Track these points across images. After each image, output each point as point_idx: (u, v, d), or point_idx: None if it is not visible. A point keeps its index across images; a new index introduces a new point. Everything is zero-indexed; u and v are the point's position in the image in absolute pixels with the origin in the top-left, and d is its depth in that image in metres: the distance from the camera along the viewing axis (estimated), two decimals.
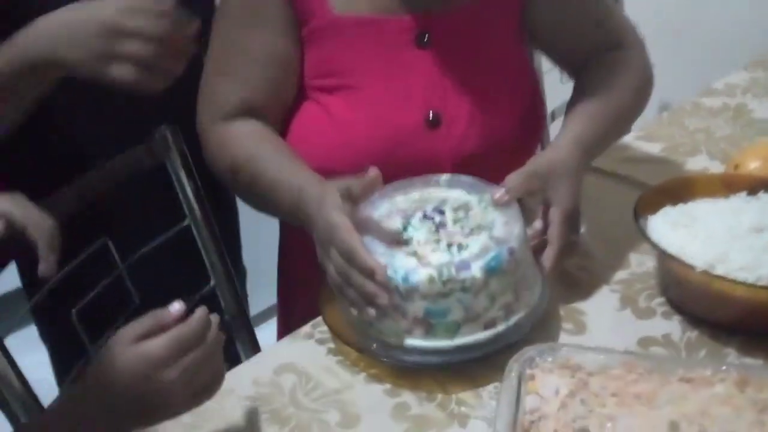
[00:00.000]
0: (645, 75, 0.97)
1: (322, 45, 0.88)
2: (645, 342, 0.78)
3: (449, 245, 0.75)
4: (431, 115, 0.89)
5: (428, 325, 0.73)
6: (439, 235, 0.76)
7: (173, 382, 0.60)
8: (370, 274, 0.70)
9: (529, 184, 0.81)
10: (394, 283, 0.72)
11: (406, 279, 0.71)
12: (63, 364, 1.04)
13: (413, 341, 0.74)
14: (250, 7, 0.86)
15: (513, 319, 0.75)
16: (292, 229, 0.95)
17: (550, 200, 0.81)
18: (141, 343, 0.60)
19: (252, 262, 1.22)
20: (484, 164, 0.91)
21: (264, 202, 0.87)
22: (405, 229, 0.78)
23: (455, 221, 0.78)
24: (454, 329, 0.73)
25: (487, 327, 0.74)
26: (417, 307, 0.72)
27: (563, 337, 0.79)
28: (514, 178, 0.80)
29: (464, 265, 0.72)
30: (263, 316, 1.47)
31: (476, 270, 0.72)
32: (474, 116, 0.91)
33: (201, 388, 0.63)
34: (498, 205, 0.79)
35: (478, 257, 0.72)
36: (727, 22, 1.93)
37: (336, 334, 0.77)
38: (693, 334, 0.79)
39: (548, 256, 0.80)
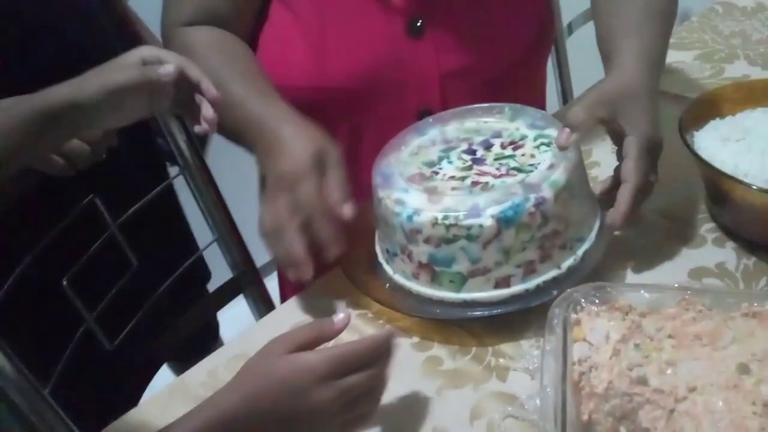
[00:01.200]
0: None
1: None
2: (697, 273, 0.71)
3: (474, 183, 0.66)
4: (413, 22, 0.78)
5: (433, 272, 0.65)
6: (470, 172, 0.67)
7: (329, 403, 0.53)
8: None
9: (596, 114, 0.68)
10: (400, 221, 0.64)
11: (410, 218, 0.64)
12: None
13: (419, 287, 0.66)
14: None
15: (533, 282, 0.65)
16: None
17: (624, 129, 0.68)
18: (300, 354, 0.54)
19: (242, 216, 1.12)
20: (480, 80, 0.81)
21: (228, 130, 0.74)
22: (440, 161, 0.70)
23: (497, 158, 0.69)
24: (459, 281, 0.64)
25: (499, 285, 0.64)
26: (421, 251, 0.64)
27: (608, 274, 0.71)
28: (576, 111, 0.68)
29: (475, 210, 0.62)
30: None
31: (487, 218, 0.62)
32: (463, 24, 0.80)
33: (354, 417, 0.55)
34: (562, 146, 0.67)
35: (496, 203, 0.62)
36: None
37: (357, 284, 0.70)
38: (750, 261, 0.71)
39: (622, 198, 0.66)
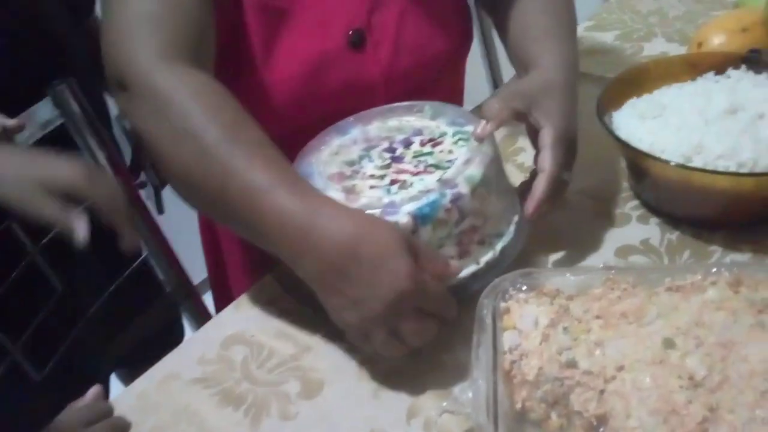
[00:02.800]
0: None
1: None
2: (623, 251, 0.71)
3: (393, 182, 0.65)
4: (352, 34, 0.78)
5: None
6: (389, 169, 0.67)
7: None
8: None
9: (511, 105, 0.67)
10: None
11: None
12: None
13: None
14: None
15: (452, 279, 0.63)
16: None
17: (539, 122, 0.68)
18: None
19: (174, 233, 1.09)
20: (419, 80, 0.82)
21: (228, 214, 0.62)
22: (360, 160, 0.69)
23: (416, 155, 0.69)
24: None
25: None
26: None
27: (534, 259, 0.71)
28: (492, 103, 0.67)
29: (391, 208, 0.61)
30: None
31: (403, 215, 0.61)
32: (400, 30, 0.81)
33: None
34: (479, 139, 0.66)
35: (413, 200, 0.62)
36: None
37: (287, 288, 0.69)
38: (673, 235, 0.72)
39: (537, 186, 0.66)
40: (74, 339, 0.81)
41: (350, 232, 0.56)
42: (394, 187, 0.64)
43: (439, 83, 0.87)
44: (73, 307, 0.80)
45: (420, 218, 0.61)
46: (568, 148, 0.68)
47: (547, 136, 0.67)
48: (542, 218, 0.68)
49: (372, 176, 0.67)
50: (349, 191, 0.65)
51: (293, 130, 0.73)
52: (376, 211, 0.61)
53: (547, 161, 0.66)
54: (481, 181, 0.64)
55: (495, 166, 0.66)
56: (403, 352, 0.59)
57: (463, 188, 0.63)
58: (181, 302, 0.90)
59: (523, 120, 0.69)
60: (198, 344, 0.70)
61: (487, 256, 0.65)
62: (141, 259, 0.88)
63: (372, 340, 0.59)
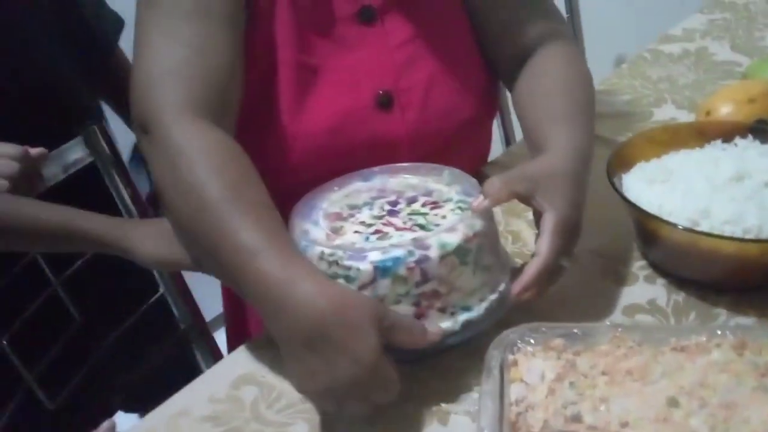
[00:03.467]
0: (586, 67, 0.87)
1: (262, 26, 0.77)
2: (630, 310, 0.73)
3: (376, 232, 0.67)
4: (381, 95, 0.81)
5: None
6: (380, 221, 0.69)
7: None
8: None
9: (512, 188, 0.68)
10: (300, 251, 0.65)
11: (305, 249, 0.65)
12: None
13: None
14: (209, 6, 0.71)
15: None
16: None
17: (542, 206, 0.67)
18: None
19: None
20: (443, 143, 0.85)
21: (215, 265, 0.64)
22: (362, 207, 0.72)
23: (411, 213, 0.70)
24: None
25: None
26: None
27: (542, 314, 0.72)
28: (493, 182, 0.68)
29: (359, 255, 0.63)
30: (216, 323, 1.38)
31: (366, 263, 0.62)
32: (428, 94, 0.83)
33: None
34: (475, 212, 0.67)
35: (380, 251, 0.62)
36: None
37: None
38: (680, 296, 0.74)
39: (528, 269, 0.66)
40: (88, 370, 0.82)
41: (323, 309, 0.58)
42: (374, 237, 0.66)
43: (463, 146, 0.89)
44: (89, 338, 0.82)
45: (381, 270, 0.62)
46: (569, 236, 0.68)
47: (548, 222, 0.67)
48: (527, 303, 0.67)
49: (362, 223, 0.69)
50: (334, 231, 0.67)
51: (313, 182, 0.75)
52: (345, 253, 0.63)
53: (544, 246, 0.66)
54: (455, 251, 0.64)
55: (479, 241, 0.66)
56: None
57: (433, 252, 0.63)
58: (194, 340, 0.92)
59: (526, 203, 0.70)
60: (209, 383, 0.71)
61: (445, 324, 0.65)
62: (158, 295, 0.90)
63: (321, 406, 0.63)
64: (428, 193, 0.73)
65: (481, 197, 0.68)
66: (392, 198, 0.73)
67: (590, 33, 1.65)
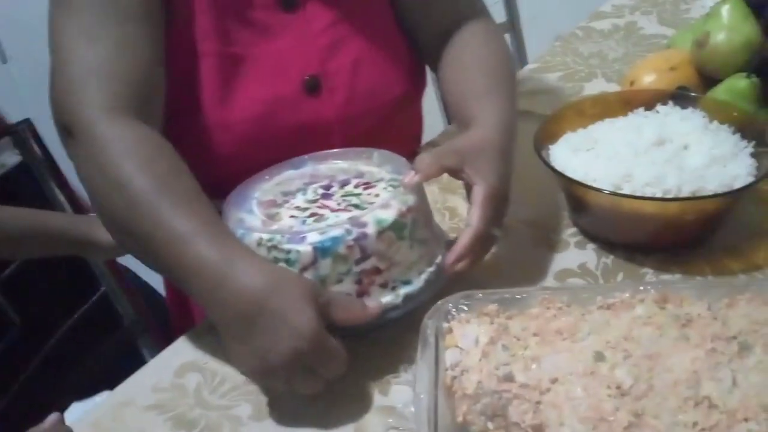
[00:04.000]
0: (505, 44, 0.90)
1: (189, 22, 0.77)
2: (562, 275, 0.75)
3: (312, 215, 0.68)
4: (308, 80, 0.82)
5: None
6: (315, 204, 0.70)
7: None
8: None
9: (442, 162, 0.69)
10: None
11: (242, 237, 0.66)
12: None
13: None
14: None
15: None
16: None
17: (471, 179, 0.69)
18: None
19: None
20: (374, 124, 0.86)
21: (155, 258, 0.64)
22: (296, 192, 0.73)
23: (345, 195, 0.72)
24: None
25: None
26: None
27: (476, 283, 0.74)
28: (423, 158, 0.69)
29: (297, 237, 0.64)
30: None
31: (306, 245, 0.63)
32: (355, 75, 0.85)
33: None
34: (407, 188, 0.68)
35: (318, 232, 0.64)
36: None
37: None
38: (608, 259, 0.77)
39: (460, 240, 0.68)
40: (34, 369, 0.82)
41: (260, 286, 0.59)
42: (310, 220, 0.68)
43: (394, 126, 0.91)
44: (32, 338, 0.81)
45: (321, 250, 0.63)
46: (499, 206, 0.70)
47: (478, 194, 0.69)
48: (461, 275, 0.69)
49: (297, 207, 0.70)
50: (270, 217, 0.68)
51: (247, 170, 0.76)
52: (283, 237, 0.64)
53: (475, 217, 0.68)
54: (391, 226, 0.65)
55: (413, 214, 0.67)
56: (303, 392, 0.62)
57: (370, 229, 0.64)
58: (139, 335, 0.92)
59: (456, 176, 0.71)
60: (152, 372, 0.71)
61: (387, 299, 0.66)
62: (99, 293, 0.90)
63: (269, 386, 0.64)
64: (360, 175, 0.74)
65: (412, 173, 0.69)
66: (325, 182, 0.74)
67: (529, 12, 1.68)
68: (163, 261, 0.63)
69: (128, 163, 0.64)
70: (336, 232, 0.64)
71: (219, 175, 0.76)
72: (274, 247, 0.64)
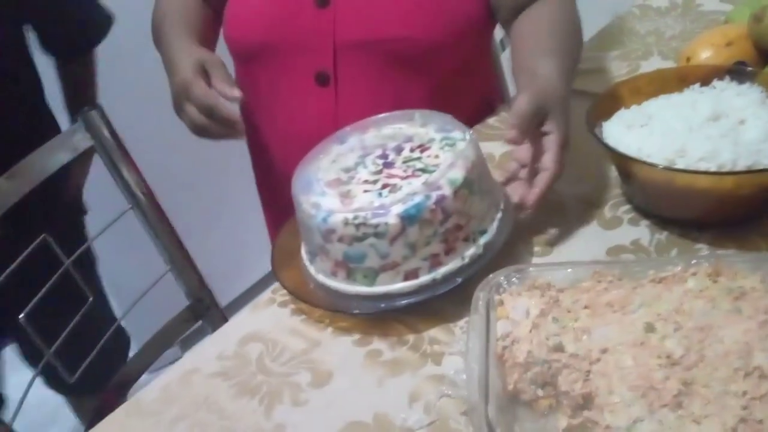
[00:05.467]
0: (580, 22, 0.94)
1: None
2: (614, 251, 0.76)
3: (384, 186, 0.71)
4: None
5: (348, 269, 0.70)
6: (381, 175, 0.72)
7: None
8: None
9: (536, 117, 0.74)
10: (316, 223, 0.69)
11: (325, 220, 0.69)
12: None
13: (337, 284, 0.71)
14: None
15: (440, 272, 0.70)
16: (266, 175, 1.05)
17: (548, 129, 0.75)
18: None
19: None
20: (381, 53, 0.91)
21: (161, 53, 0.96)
22: (356, 167, 0.75)
23: (406, 161, 0.74)
24: (372, 276, 0.69)
25: (408, 277, 0.69)
26: (336, 250, 0.69)
27: (530, 259, 0.76)
28: (520, 113, 0.73)
29: (381, 211, 0.67)
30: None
31: (392, 216, 0.67)
32: (367, 4, 0.90)
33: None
34: (512, 143, 0.73)
35: (401, 202, 0.67)
36: None
37: (294, 293, 0.74)
38: (662, 235, 0.77)
39: (541, 181, 0.74)
40: None
41: (190, 65, 0.87)
42: (385, 191, 0.70)
43: (432, 63, 0.94)
44: None
45: (407, 219, 0.67)
46: (567, 151, 0.76)
47: (553, 141, 0.74)
48: (532, 212, 0.74)
49: (366, 181, 0.73)
50: (345, 196, 0.71)
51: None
52: (368, 213, 0.67)
53: (552, 162, 0.73)
54: (463, 183, 0.69)
55: (477, 169, 0.71)
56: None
57: (446, 190, 0.68)
58: (202, 315, 0.96)
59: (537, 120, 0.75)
60: (217, 342, 0.75)
61: (470, 251, 0.71)
62: (164, 274, 0.94)
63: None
64: (409, 139, 0.77)
65: (513, 131, 0.72)
66: (379, 152, 0.76)
67: None
68: (162, 48, 0.94)
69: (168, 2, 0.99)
70: (417, 199, 0.67)
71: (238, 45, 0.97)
72: (363, 224, 0.67)
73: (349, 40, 0.91)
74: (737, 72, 0.84)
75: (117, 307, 1.36)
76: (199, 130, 0.86)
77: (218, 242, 1.77)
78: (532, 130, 0.75)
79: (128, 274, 1.21)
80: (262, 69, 0.94)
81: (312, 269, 0.74)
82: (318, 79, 0.92)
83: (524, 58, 0.86)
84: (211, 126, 0.84)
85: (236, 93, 0.83)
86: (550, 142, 0.74)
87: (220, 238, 1.82)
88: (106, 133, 0.91)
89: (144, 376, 0.99)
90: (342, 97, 0.92)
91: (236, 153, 1.06)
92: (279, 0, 0.92)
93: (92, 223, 1.31)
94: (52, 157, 0.87)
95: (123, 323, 0.99)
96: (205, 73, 0.85)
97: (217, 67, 0.86)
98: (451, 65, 0.96)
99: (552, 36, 0.87)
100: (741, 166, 0.71)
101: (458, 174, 0.69)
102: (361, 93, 0.92)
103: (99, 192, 1.16)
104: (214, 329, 0.98)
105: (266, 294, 0.79)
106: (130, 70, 1.63)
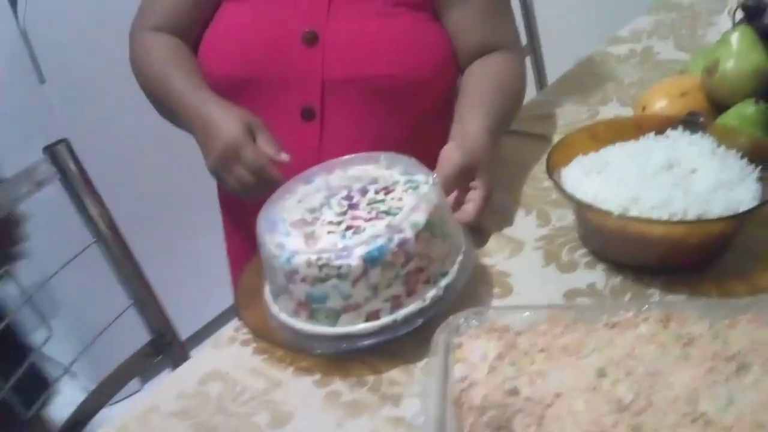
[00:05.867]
0: (524, 82, 1.04)
1: None
2: (571, 294, 0.78)
3: (348, 228, 0.72)
4: (308, 31, 0.93)
5: (310, 309, 0.71)
6: (346, 216, 0.74)
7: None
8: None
9: (462, 175, 0.85)
10: (280, 263, 0.70)
11: (288, 260, 0.70)
12: None
13: (300, 324, 0.72)
14: None
15: (401, 313, 0.71)
16: (232, 210, 1.09)
17: (474, 185, 0.85)
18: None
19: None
20: (367, 89, 0.95)
21: (171, 115, 0.99)
22: (321, 207, 0.77)
23: (370, 203, 0.76)
24: (334, 316, 0.70)
25: (369, 318, 0.70)
26: (299, 290, 0.70)
27: (487, 301, 0.77)
28: (448, 174, 0.83)
29: (344, 252, 0.68)
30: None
31: (355, 258, 0.68)
32: (354, 44, 0.94)
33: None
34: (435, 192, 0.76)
35: (364, 244, 0.69)
36: None
37: (256, 332, 0.75)
38: (617, 280, 0.79)
39: (478, 203, 0.84)
40: None
41: (219, 122, 0.90)
42: (349, 233, 0.72)
43: (412, 97, 0.98)
44: None
45: (370, 261, 0.68)
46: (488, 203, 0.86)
47: (479, 196, 0.85)
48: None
49: (330, 222, 0.74)
50: (309, 236, 0.72)
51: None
52: (331, 255, 0.68)
53: (474, 213, 0.84)
54: (425, 226, 0.71)
55: (439, 212, 0.73)
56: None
57: (409, 233, 0.70)
58: (163, 350, 0.95)
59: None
60: (177, 380, 0.75)
61: (431, 293, 0.72)
62: (126, 308, 0.93)
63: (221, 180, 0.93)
64: (374, 181, 0.79)
65: (434, 176, 0.77)
66: (344, 193, 0.78)
67: (549, 37, 1.71)
68: (174, 111, 0.95)
69: (157, 51, 0.98)
70: (380, 241, 0.69)
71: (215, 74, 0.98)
72: (325, 265, 0.68)
73: (337, 77, 0.93)
74: (690, 122, 0.88)
75: (76, 341, 1.34)
76: (246, 190, 0.89)
77: (180, 273, 1.76)
78: (457, 184, 0.84)
79: (89, 307, 1.20)
80: (245, 102, 0.95)
81: (275, 308, 0.75)
82: (304, 114, 0.95)
83: (460, 111, 0.93)
84: (258, 186, 0.87)
85: (285, 157, 0.87)
86: (476, 196, 0.85)
87: (181, 269, 1.81)
88: (72, 165, 0.90)
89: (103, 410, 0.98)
90: (327, 132, 0.95)
91: (201, 182, 1.07)
92: (263, 35, 0.95)
93: (52, 255, 1.29)
94: (14, 191, 0.87)
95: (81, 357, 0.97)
96: (251, 134, 0.88)
97: (263, 130, 0.89)
98: (431, 103, 1.00)
99: (490, 94, 0.94)
100: (691, 215, 0.74)
101: (421, 217, 0.71)
102: (346, 128, 0.95)
103: (58, 224, 1.15)
104: (175, 364, 0.99)
105: (228, 331, 0.79)
106: (97, 101, 1.63)
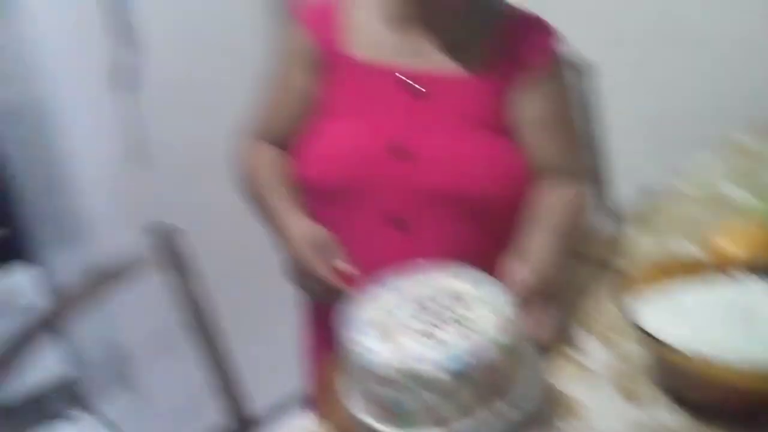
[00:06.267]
0: (587, 210, 1.12)
1: (336, 82, 1.07)
2: (636, 428, 0.79)
3: (430, 336, 0.76)
4: (399, 147, 1.00)
5: (390, 412, 0.75)
6: (429, 326, 0.78)
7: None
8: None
9: (534, 299, 0.91)
10: (362, 364, 0.76)
11: (369, 362, 0.75)
12: None
13: (379, 426, 0.76)
14: (295, 53, 1.11)
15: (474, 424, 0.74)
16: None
17: (543, 307, 0.91)
18: None
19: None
20: (446, 207, 1.01)
21: (261, 215, 1.12)
22: (404, 314, 0.80)
23: (454, 317, 0.79)
24: (410, 422, 0.74)
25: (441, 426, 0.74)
26: (378, 392, 0.75)
27: (556, 424, 0.80)
28: (523, 295, 0.88)
29: (431, 361, 0.73)
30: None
31: (440, 370, 0.73)
32: (445, 160, 1.00)
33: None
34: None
35: (447, 357, 0.73)
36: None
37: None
38: (681, 416, 0.80)
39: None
40: None
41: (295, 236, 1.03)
42: (431, 342, 0.75)
43: (498, 214, 1.04)
44: None
45: (457, 376, 0.73)
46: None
47: (551, 319, 0.91)
48: None
49: (414, 330, 0.77)
50: (392, 341, 0.76)
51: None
52: (418, 363, 0.73)
53: (548, 337, 0.90)
54: (507, 345, 0.76)
55: (519, 332, 0.79)
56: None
57: (491, 351, 0.75)
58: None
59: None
60: None
61: (513, 414, 0.76)
62: None
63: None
64: (456, 294, 0.82)
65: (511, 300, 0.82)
66: (428, 304, 0.82)
67: (616, 163, 1.74)
68: (264, 217, 1.10)
69: (261, 164, 1.13)
70: (463, 355, 0.73)
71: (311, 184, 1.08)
72: (410, 373, 0.73)
73: (428, 190, 1.00)
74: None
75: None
76: (321, 298, 1.01)
77: (251, 355, 1.76)
78: (529, 306, 0.88)
79: (163, 386, 1.23)
80: (338, 207, 1.03)
81: (353, 407, 0.78)
82: (396, 224, 1.01)
83: (531, 233, 0.99)
84: (332, 296, 0.97)
85: (355, 273, 0.97)
86: (547, 318, 0.90)
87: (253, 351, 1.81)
88: (174, 250, 0.96)
89: None
90: (418, 243, 1.01)
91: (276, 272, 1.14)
92: (358, 148, 1.03)
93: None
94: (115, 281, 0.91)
95: None
96: (317, 248, 1.00)
97: (332, 248, 1.01)
98: (511, 220, 1.04)
99: (561, 220, 1.02)
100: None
101: (504, 337, 0.75)
102: (434, 241, 1.01)
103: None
104: None
105: (304, 423, 0.82)
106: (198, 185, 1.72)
